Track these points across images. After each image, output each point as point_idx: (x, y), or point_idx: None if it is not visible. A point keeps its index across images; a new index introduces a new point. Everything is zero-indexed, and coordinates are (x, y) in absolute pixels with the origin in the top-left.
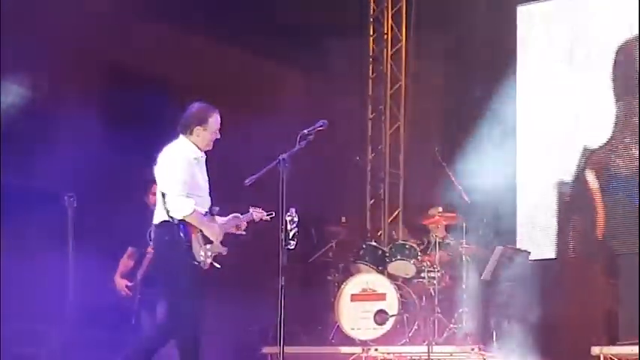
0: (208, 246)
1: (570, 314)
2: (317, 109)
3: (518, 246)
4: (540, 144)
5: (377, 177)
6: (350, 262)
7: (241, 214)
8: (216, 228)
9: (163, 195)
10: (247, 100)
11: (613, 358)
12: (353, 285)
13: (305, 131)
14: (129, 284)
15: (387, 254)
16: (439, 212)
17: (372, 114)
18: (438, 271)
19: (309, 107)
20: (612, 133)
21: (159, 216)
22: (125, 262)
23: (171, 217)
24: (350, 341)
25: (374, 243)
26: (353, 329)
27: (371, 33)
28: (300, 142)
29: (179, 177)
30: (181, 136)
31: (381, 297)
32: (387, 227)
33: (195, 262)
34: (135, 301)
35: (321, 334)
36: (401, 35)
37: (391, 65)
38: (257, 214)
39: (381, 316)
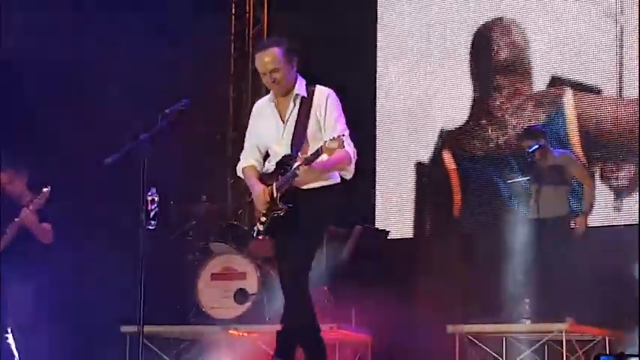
0: (264, 210)
1: (426, 293)
2: (179, 87)
3: (376, 226)
4: (399, 124)
5: (235, 155)
6: (210, 242)
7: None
8: (254, 189)
9: None
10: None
11: (467, 335)
12: (213, 264)
13: (166, 111)
14: None
15: (248, 233)
16: None
17: (233, 93)
18: None
19: (171, 85)
20: (469, 115)
21: None
22: None
23: None
24: (210, 321)
25: (234, 222)
26: (213, 308)
27: (233, 11)
28: (162, 121)
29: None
30: None
31: (242, 276)
32: (248, 206)
33: (253, 235)
34: None
35: (181, 313)
36: (262, 14)
37: (252, 45)
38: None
39: (241, 296)
